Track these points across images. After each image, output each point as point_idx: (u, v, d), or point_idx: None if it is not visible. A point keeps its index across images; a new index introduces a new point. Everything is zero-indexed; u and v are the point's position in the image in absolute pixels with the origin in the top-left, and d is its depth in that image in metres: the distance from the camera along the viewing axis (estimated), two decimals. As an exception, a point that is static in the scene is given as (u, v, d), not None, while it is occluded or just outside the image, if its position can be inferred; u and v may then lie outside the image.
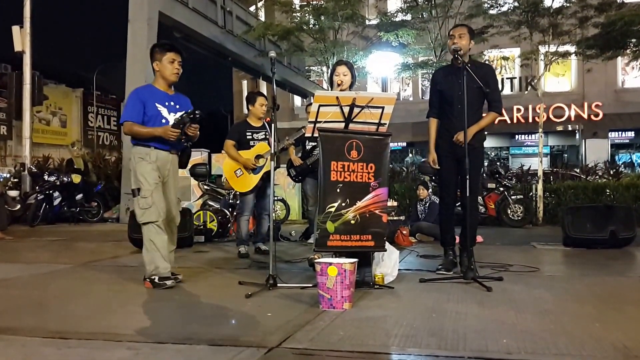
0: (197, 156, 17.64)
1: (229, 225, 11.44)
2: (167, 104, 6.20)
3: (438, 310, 4.89)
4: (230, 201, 11.93)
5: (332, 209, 5.50)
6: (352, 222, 5.57)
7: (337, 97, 5.61)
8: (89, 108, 46.14)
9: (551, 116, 32.17)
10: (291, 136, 8.51)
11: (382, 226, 5.75)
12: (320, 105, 5.58)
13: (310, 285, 5.63)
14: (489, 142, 35.34)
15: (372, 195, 5.64)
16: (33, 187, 17.63)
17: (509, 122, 33.10)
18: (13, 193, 16.61)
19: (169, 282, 5.94)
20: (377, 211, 5.67)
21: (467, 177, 6.23)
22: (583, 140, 33.40)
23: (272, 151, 6.33)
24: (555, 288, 5.88)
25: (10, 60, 27.56)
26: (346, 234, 5.56)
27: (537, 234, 12.26)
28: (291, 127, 26.96)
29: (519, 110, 33.25)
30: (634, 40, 15.75)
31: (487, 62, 18.26)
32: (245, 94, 44.13)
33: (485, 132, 6.92)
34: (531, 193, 15.30)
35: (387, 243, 5.92)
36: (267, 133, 8.62)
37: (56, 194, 16.63)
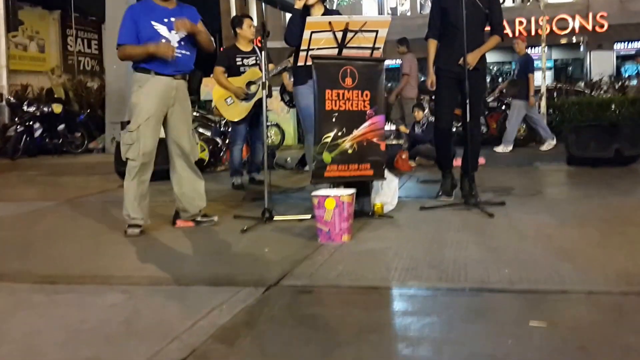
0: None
1: (221, 154, 11.19)
2: (166, 20, 5.36)
3: (438, 240, 4.81)
4: (222, 129, 11.68)
5: (328, 139, 5.37)
6: (350, 151, 5.44)
7: (329, 23, 5.40)
8: (68, 31, 44.94)
9: (554, 28, 31.43)
10: (281, 63, 8.29)
11: (381, 154, 5.62)
12: (312, 32, 5.37)
13: (308, 217, 5.52)
14: (490, 57, 34.95)
15: (369, 124, 5.49)
16: (12, 118, 17.19)
17: (510, 35, 32.57)
18: None
19: (130, 231, 5.38)
20: (374, 139, 5.53)
21: (468, 101, 6.09)
22: (588, 53, 32.78)
23: (263, 79, 6.10)
24: (558, 211, 5.80)
25: None
26: (343, 164, 5.44)
27: (540, 153, 12.10)
28: (283, 46, 26.44)
29: (521, 22, 32.58)
30: None
31: None
32: (233, 12, 43.46)
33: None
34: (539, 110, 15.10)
35: (386, 171, 5.80)
36: (257, 58, 8.29)
37: (37, 125, 16.13)
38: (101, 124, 17.49)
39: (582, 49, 32.94)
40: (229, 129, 9.80)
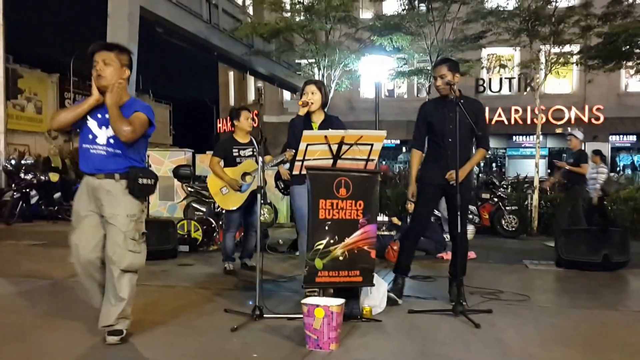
0: (181, 156, 17.57)
1: (214, 234, 11.31)
2: (100, 115, 4.96)
3: (425, 353, 4.88)
4: (216, 210, 11.81)
5: (321, 246, 5.50)
6: (341, 258, 5.57)
7: (325, 136, 5.57)
8: (66, 94, 45.42)
9: (550, 118, 31.95)
10: (276, 158, 8.43)
11: (371, 262, 5.74)
12: (308, 144, 5.53)
13: (298, 315, 5.54)
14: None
15: (361, 232, 5.63)
16: (9, 184, 17.31)
17: (506, 123, 33.11)
18: None
19: (110, 339, 4.91)
20: (365, 247, 5.67)
21: (459, 213, 6.27)
22: (583, 144, 33.10)
23: (258, 171, 6.20)
24: (543, 324, 5.85)
25: None
26: (334, 270, 5.56)
27: (530, 248, 12.20)
28: (280, 121, 26.87)
29: (517, 111, 33.22)
30: (638, 51, 15.62)
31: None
32: (232, 85, 44.01)
33: None
34: (526, 202, 15.26)
35: (375, 275, 5.91)
36: (254, 149, 8.47)
37: (33, 192, 16.32)
38: None
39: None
40: (223, 210, 9.91)
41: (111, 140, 4.93)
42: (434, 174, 6.51)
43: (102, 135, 4.95)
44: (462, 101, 6.25)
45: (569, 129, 13.47)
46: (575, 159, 12.46)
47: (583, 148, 13.08)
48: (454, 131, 6.19)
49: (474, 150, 6.75)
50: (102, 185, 4.91)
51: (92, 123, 4.97)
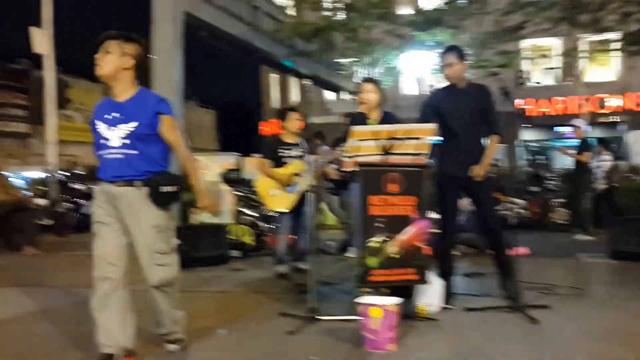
0: (229, 160, 17.59)
1: (265, 238, 11.30)
2: (106, 117, 4.52)
3: (485, 350, 4.81)
4: (266, 214, 11.77)
5: (372, 244, 5.43)
6: (394, 256, 5.49)
7: (374, 132, 5.52)
8: (113, 104, 46.33)
9: (593, 107, 31.54)
10: (327, 156, 8.41)
11: (425, 259, 5.67)
12: (357, 140, 5.49)
13: (353, 317, 5.46)
14: (529, 135, 34.93)
15: (414, 228, 5.55)
16: (62, 195, 17.30)
17: (549, 114, 32.65)
18: (41, 202, 16.15)
19: None
20: (419, 244, 5.58)
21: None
22: (627, 132, 32.67)
23: (310, 171, 6.23)
24: (602, 318, 5.77)
25: (28, 56, 26.60)
26: (388, 269, 5.48)
27: (583, 240, 12.01)
28: (323, 121, 26.79)
29: (559, 101, 32.75)
30: None
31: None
32: (273, 87, 44.08)
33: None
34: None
35: (430, 273, 5.83)
36: (303, 150, 8.46)
37: (86, 202, 16.27)
38: None
39: (621, 128, 32.76)
40: (272, 213, 9.87)
41: (126, 141, 4.46)
42: (452, 168, 6.33)
43: (114, 136, 4.48)
44: (468, 87, 6.31)
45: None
46: (579, 148, 12.68)
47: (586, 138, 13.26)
48: (467, 121, 6.23)
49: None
50: (122, 193, 4.47)
51: (101, 126, 4.52)
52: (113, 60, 4.47)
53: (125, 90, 4.54)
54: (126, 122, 4.44)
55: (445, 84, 6.55)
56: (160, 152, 4.60)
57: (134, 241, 4.51)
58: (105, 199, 4.53)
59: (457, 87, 6.36)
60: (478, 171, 6.21)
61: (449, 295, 6.34)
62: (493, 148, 6.52)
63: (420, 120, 6.40)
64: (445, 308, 6.07)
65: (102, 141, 4.50)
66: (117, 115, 4.47)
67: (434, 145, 6.17)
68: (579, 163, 12.61)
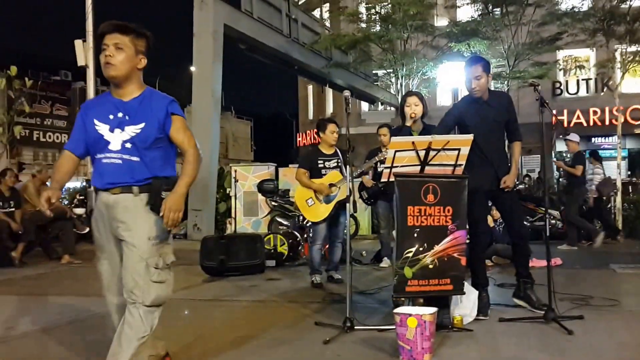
0: (264, 171, 17.75)
1: (300, 248, 11.39)
2: (111, 117, 4.10)
3: (520, 361, 4.82)
4: (301, 223, 11.87)
5: (410, 254, 5.46)
6: (430, 266, 5.53)
7: (412, 142, 5.58)
8: (149, 113, 46.90)
9: (629, 118, 31.09)
10: (363, 165, 8.53)
11: (461, 269, 5.68)
12: (396, 151, 5.55)
13: (389, 327, 5.54)
14: (564, 146, 34.58)
15: (450, 239, 5.58)
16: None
17: (584, 124, 32.38)
18: (79, 211, 16.41)
19: None
20: (455, 254, 5.61)
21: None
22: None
23: (347, 181, 6.30)
24: (636, 329, 5.77)
25: (69, 67, 26.87)
26: (424, 279, 5.52)
27: (617, 251, 11.98)
28: (357, 132, 26.88)
29: (595, 112, 32.44)
30: None
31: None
32: (310, 99, 44.25)
33: None
34: (609, 205, 14.94)
35: (465, 283, 5.86)
36: (339, 161, 8.52)
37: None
38: (184, 210, 17.86)
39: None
40: (307, 223, 9.97)
41: (127, 145, 4.04)
42: (480, 179, 6.21)
43: (116, 139, 4.05)
44: (491, 98, 6.39)
45: (568, 136, 13.30)
46: (572, 161, 12.83)
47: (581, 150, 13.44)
48: (492, 132, 6.30)
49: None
50: (118, 201, 4.03)
51: (102, 127, 4.08)
52: (128, 59, 4.06)
53: (134, 91, 4.14)
54: (134, 123, 4.05)
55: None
56: (162, 158, 4.16)
57: (128, 255, 4.00)
58: (100, 216, 4.15)
59: (481, 99, 6.36)
60: (509, 182, 6.26)
61: (484, 305, 6.33)
62: (519, 156, 6.57)
63: (439, 130, 6.40)
64: (479, 318, 6.09)
65: (101, 143, 4.07)
66: (123, 115, 4.07)
67: None
68: (571, 176, 12.80)
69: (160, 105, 4.11)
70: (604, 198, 13.92)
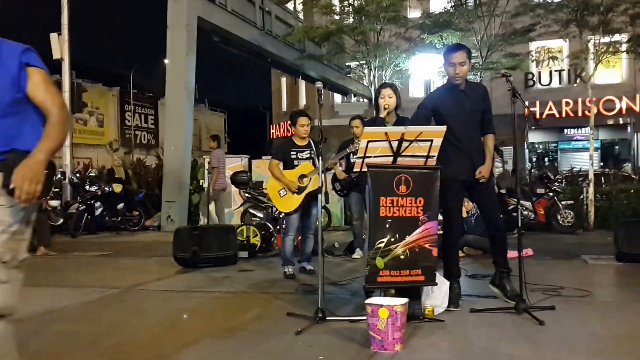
0: (237, 163, 17.73)
1: (273, 239, 11.40)
2: None
3: (491, 351, 4.84)
4: (274, 215, 11.87)
5: (382, 245, 5.47)
6: (402, 257, 5.53)
7: (385, 133, 5.57)
8: (126, 107, 46.63)
9: (601, 109, 31.28)
10: (335, 156, 8.54)
11: (432, 260, 5.69)
12: (368, 141, 5.54)
13: (360, 317, 5.54)
14: (537, 137, 34.95)
15: (422, 230, 5.58)
16: (74, 196, 17.77)
17: (557, 116, 32.61)
18: (54, 203, 16.63)
19: None
20: (426, 245, 5.61)
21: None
22: (635, 134, 32.60)
23: (319, 172, 6.30)
24: (608, 320, 5.79)
25: (44, 60, 26.81)
26: (396, 270, 5.52)
27: (588, 242, 12.05)
28: (331, 124, 26.88)
29: (567, 103, 32.63)
30: None
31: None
32: (284, 91, 44.24)
33: None
34: (581, 196, 15.03)
35: (437, 274, 5.86)
36: (312, 152, 8.54)
37: (98, 203, 16.59)
38: (157, 202, 18.21)
39: (629, 129, 32.71)
40: (280, 214, 9.97)
41: None
42: (456, 169, 6.24)
43: None
44: (468, 87, 6.38)
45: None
46: None
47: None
48: (468, 122, 6.27)
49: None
50: None
51: None
52: None
53: None
54: None
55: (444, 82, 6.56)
56: (21, 125, 3.25)
57: None
58: None
59: (458, 88, 6.33)
60: (484, 172, 6.26)
61: (455, 296, 6.34)
62: (492, 147, 6.53)
63: (412, 121, 6.46)
64: (450, 309, 6.10)
65: None
66: None
67: None
68: None
69: (11, 55, 3.20)
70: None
